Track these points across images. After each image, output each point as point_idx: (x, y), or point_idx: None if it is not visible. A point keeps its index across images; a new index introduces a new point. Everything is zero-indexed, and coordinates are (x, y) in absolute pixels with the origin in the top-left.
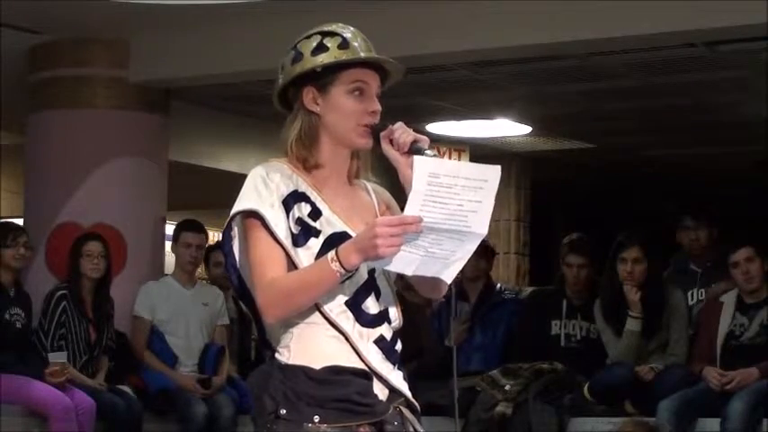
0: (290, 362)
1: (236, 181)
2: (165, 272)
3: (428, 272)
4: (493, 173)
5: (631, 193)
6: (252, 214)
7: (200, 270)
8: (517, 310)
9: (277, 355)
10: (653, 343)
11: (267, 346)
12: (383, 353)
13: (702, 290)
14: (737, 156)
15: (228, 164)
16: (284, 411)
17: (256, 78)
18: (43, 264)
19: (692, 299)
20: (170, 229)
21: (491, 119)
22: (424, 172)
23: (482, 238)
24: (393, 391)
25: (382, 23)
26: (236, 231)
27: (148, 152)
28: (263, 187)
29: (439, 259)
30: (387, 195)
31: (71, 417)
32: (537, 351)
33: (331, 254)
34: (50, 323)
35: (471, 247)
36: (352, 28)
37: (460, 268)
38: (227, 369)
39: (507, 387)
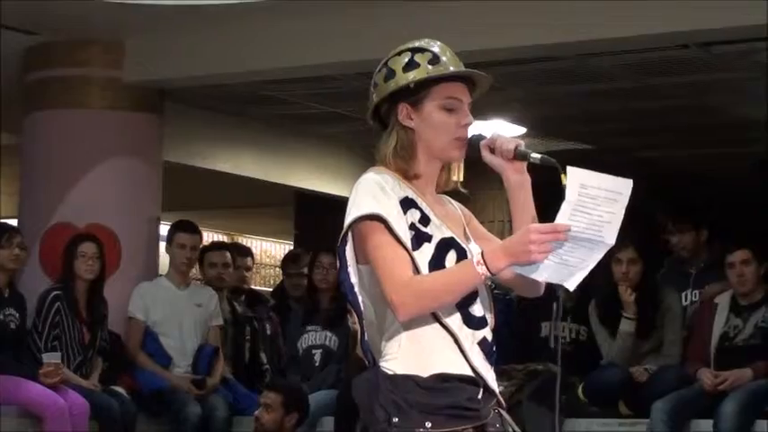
0: (399, 372)
1: (230, 182)
2: (160, 272)
3: (555, 278)
4: (626, 186)
5: None
6: (373, 218)
7: (195, 271)
8: (505, 310)
9: (383, 364)
10: (647, 344)
11: (368, 355)
12: (484, 354)
13: (696, 291)
14: (734, 157)
15: (223, 164)
16: (396, 420)
17: (251, 79)
18: (37, 264)
19: (686, 300)
20: (164, 229)
21: (485, 120)
22: (576, 183)
23: (609, 248)
24: (487, 390)
25: (376, 25)
26: (349, 237)
27: (143, 152)
28: (381, 192)
29: (569, 266)
30: (463, 207)
31: (65, 417)
32: (526, 352)
33: (476, 257)
34: (44, 324)
35: (599, 256)
36: (439, 42)
37: (584, 276)
38: (222, 370)
39: (501, 388)
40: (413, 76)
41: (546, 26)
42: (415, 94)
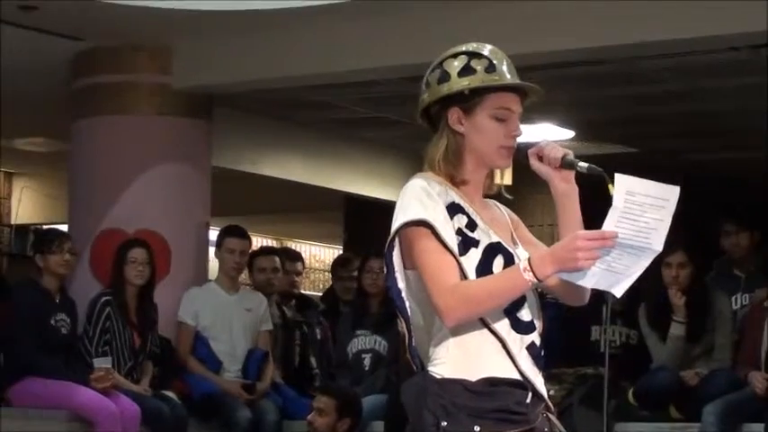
0: (447, 376)
1: (279, 187)
2: (209, 278)
3: (602, 285)
4: (673, 193)
5: None
6: (420, 224)
7: (244, 276)
8: (554, 314)
9: (431, 368)
10: (698, 348)
11: (416, 360)
12: (532, 359)
13: (746, 294)
14: None
15: (271, 169)
16: (445, 423)
17: (299, 84)
18: (87, 269)
19: (736, 303)
20: (213, 234)
21: (533, 123)
22: (623, 190)
23: (656, 255)
24: (536, 395)
25: (423, 29)
26: (396, 242)
27: (192, 158)
28: (427, 198)
29: (616, 273)
30: (511, 212)
31: (116, 422)
32: (576, 356)
33: (522, 264)
34: (95, 329)
35: (646, 263)
36: (493, 47)
37: (631, 283)
38: (272, 374)
39: (551, 392)
40: (467, 82)
41: (593, 29)
42: (468, 100)
